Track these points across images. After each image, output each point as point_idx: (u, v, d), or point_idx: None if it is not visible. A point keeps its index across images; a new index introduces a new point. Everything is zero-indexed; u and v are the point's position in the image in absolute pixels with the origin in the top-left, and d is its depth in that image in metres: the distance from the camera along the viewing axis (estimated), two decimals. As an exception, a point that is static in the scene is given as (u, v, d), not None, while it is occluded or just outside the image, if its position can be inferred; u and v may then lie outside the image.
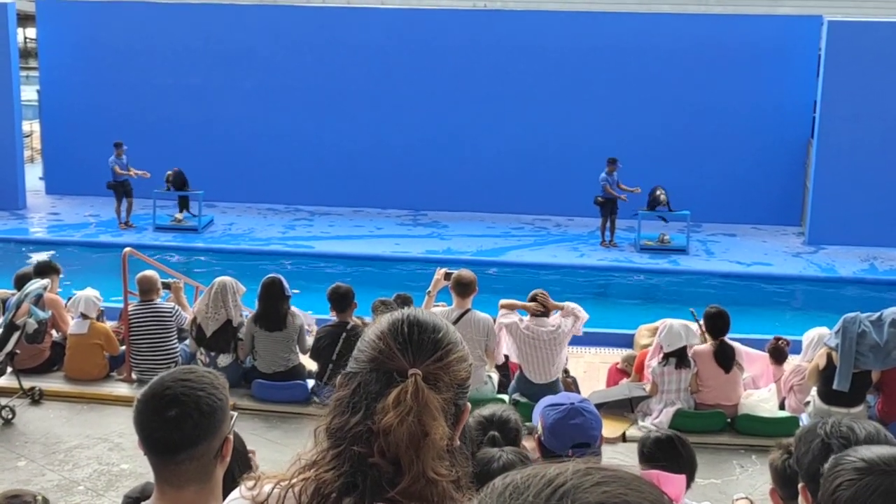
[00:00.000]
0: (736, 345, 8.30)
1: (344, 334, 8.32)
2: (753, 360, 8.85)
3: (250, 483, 1.76)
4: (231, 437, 2.38)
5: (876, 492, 1.99)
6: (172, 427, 2.24)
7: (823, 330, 8.41)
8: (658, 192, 18.11)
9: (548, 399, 3.67)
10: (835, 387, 7.71)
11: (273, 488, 1.73)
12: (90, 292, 9.28)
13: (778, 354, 9.14)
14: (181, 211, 19.08)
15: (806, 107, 19.59)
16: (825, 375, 7.83)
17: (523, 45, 20.30)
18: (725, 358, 8.08)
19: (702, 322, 8.49)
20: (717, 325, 8.19)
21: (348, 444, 1.68)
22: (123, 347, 9.13)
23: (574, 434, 3.46)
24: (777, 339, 9.29)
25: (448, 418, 1.69)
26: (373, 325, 1.78)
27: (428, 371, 1.68)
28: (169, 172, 18.81)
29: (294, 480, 1.71)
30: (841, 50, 18.21)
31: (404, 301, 8.97)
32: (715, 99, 19.90)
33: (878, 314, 7.91)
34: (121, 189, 18.60)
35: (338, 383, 1.76)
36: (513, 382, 8.55)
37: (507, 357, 8.76)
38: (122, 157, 18.54)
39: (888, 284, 16.31)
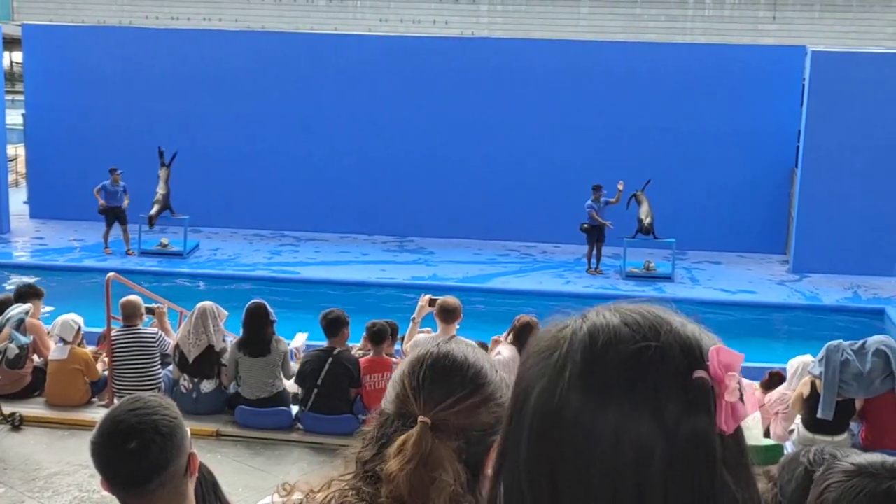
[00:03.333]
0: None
1: (330, 359, 8.30)
2: (738, 388, 8.83)
3: (283, 492, 1.76)
4: (195, 451, 2.34)
5: (861, 493, 2.02)
6: (139, 458, 2.20)
7: (807, 358, 8.41)
8: (644, 218, 18.13)
9: None
10: (819, 415, 7.71)
11: (303, 498, 1.73)
12: (68, 316, 9.21)
13: (770, 385, 9.16)
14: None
15: (790, 136, 19.71)
16: (809, 404, 7.83)
17: (510, 72, 20.40)
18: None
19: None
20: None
21: (360, 480, 1.68)
22: (105, 372, 9.06)
23: None
24: (771, 375, 9.33)
25: (470, 462, 1.64)
26: (404, 362, 1.77)
27: (437, 418, 1.64)
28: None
29: (319, 493, 1.70)
30: (824, 80, 18.36)
31: (390, 329, 8.98)
32: (700, 127, 20.02)
33: (861, 342, 7.92)
34: (112, 214, 18.31)
35: (372, 417, 1.76)
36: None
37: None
38: (119, 182, 18.27)
39: (871, 313, 16.36)
